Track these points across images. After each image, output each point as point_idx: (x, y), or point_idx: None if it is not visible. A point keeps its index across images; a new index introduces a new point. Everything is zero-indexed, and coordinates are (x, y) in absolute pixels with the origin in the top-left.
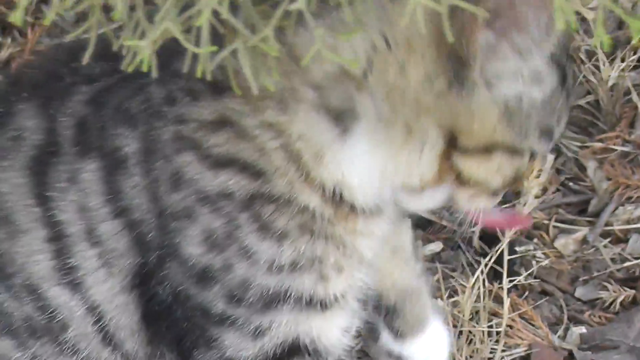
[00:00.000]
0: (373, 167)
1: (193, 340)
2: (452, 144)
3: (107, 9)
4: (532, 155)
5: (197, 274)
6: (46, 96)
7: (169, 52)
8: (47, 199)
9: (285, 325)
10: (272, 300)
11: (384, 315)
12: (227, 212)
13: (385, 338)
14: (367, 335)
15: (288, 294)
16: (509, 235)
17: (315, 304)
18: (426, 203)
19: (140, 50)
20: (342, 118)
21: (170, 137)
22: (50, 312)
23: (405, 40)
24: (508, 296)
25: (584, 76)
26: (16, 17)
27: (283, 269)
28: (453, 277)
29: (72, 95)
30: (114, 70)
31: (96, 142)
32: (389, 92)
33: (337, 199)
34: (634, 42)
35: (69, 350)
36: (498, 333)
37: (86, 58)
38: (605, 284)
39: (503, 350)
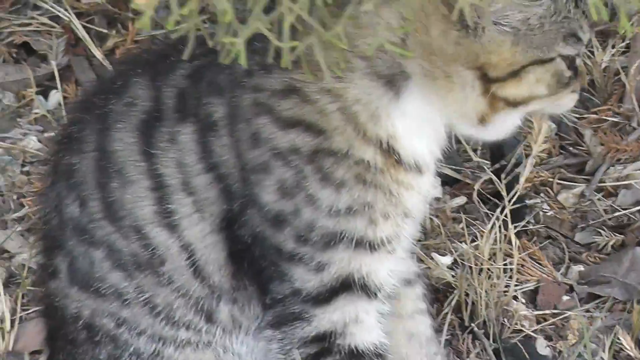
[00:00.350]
0: (425, 117)
1: (269, 274)
2: (486, 79)
3: None
4: (575, 57)
5: (271, 218)
6: (155, 71)
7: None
8: (151, 156)
9: (340, 261)
10: (331, 240)
11: None
12: (296, 164)
13: None
14: None
15: (343, 235)
16: (516, 190)
17: (365, 245)
18: (501, 131)
19: (235, 45)
20: (393, 82)
21: (249, 103)
22: (152, 249)
23: (421, 9)
24: (519, 240)
25: (582, 60)
26: (144, 24)
27: (340, 213)
28: (474, 225)
29: (176, 70)
30: (210, 51)
31: (192, 110)
32: (423, 50)
33: (389, 150)
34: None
35: (165, 281)
36: (511, 270)
37: (187, 54)
38: (599, 230)
39: (516, 285)
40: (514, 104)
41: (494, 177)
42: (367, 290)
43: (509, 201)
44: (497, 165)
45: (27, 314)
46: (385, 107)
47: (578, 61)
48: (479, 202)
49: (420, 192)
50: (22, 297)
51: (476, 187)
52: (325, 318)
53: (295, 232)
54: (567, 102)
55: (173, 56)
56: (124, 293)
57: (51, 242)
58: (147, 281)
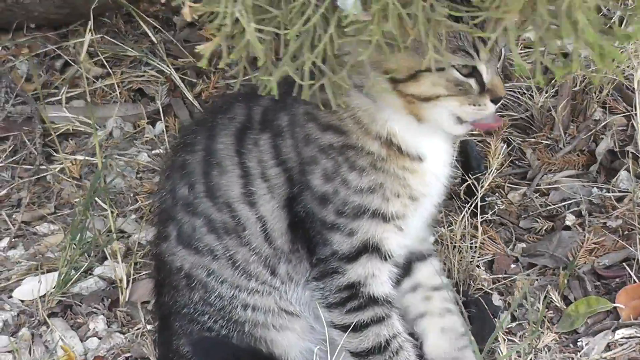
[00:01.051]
0: (396, 115)
1: (316, 240)
2: (393, 81)
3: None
4: (476, 70)
5: (318, 198)
6: (251, 97)
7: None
8: (242, 154)
9: (363, 228)
10: (358, 212)
11: None
12: (333, 156)
13: None
14: None
15: (366, 208)
16: (481, 192)
17: (379, 216)
18: (442, 125)
19: (270, 83)
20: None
21: (302, 112)
22: (238, 219)
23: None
24: (481, 225)
25: (525, 102)
26: (203, 64)
27: (363, 191)
28: (450, 215)
29: (265, 96)
30: (284, 84)
31: (270, 122)
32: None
33: (390, 143)
34: (553, 80)
35: (245, 242)
36: (476, 247)
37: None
38: (536, 219)
39: (478, 257)
40: (422, 99)
41: (474, 182)
42: (379, 253)
43: (476, 199)
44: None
45: (139, 276)
46: (374, 112)
47: (485, 76)
48: (454, 199)
49: (423, 174)
50: (135, 264)
51: (462, 189)
52: (353, 272)
53: (335, 207)
54: (482, 107)
55: None
56: (214, 250)
57: (165, 215)
58: (231, 242)
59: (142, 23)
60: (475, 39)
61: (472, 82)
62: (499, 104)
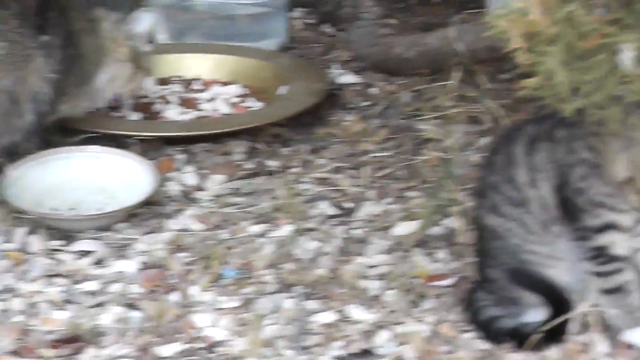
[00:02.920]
0: None
1: (576, 216)
2: None
3: None
4: None
5: (574, 189)
6: (538, 120)
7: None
8: (530, 155)
9: (604, 215)
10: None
11: None
12: (587, 166)
13: None
14: None
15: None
16: None
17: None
18: None
19: (565, 110)
20: None
21: (578, 132)
22: (524, 197)
23: None
24: None
25: None
26: (526, 92)
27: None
28: None
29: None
30: (547, 117)
31: (550, 136)
32: None
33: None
34: None
35: (529, 212)
36: None
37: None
38: None
39: None
40: None
41: None
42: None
43: None
44: None
45: (468, 228)
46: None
47: None
48: None
49: None
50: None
51: None
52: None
53: (587, 199)
54: None
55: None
56: (509, 215)
57: (479, 193)
58: (520, 211)
59: (482, 76)
60: None
61: None
62: None
